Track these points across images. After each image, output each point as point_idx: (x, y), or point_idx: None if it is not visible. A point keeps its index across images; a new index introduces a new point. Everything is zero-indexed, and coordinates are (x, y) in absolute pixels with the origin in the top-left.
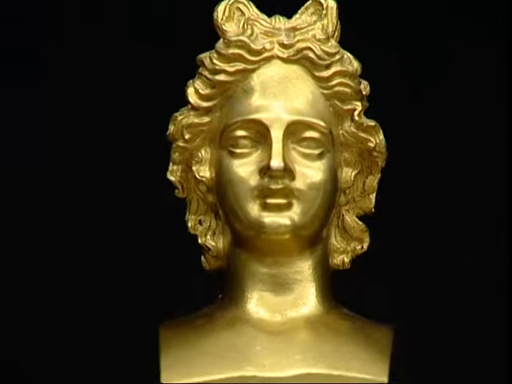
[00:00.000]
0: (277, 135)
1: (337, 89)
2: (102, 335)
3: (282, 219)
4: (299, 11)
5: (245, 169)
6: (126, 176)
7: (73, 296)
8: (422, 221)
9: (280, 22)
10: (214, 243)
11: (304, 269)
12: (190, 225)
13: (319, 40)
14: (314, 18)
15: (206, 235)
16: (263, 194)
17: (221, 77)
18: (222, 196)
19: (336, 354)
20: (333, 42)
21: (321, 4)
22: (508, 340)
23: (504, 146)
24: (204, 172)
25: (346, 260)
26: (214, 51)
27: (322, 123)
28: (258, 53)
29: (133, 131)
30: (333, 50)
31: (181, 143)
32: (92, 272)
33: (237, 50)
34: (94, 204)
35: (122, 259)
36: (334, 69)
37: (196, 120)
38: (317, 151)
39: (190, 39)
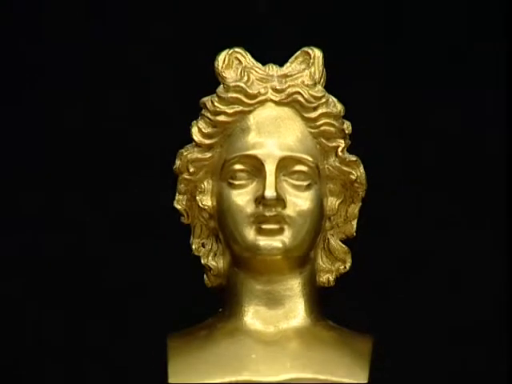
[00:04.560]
0: (270, 169)
1: (323, 128)
2: (114, 344)
3: (275, 242)
4: (290, 60)
5: (242, 198)
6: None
7: (78, 314)
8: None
9: (273, 69)
10: (215, 263)
11: (294, 286)
12: (194, 247)
13: (307, 85)
14: (303, 66)
15: (208, 256)
16: (258, 220)
17: (221, 117)
18: (222, 222)
19: (322, 360)
20: (319, 87)
21: (308, 54)
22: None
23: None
24: (206, 201)
25: (331, 278)
26: (215, 95)
27: (309, 158)
28: (253, 96)
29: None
30: (319, 94)
31: (186, 176)
32: (97, 295)
33: (235, 94)
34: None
35: (134, 278)
36: (320, 111)
37: (199, 155)
38: (305, 183)
39: (194, 85)
